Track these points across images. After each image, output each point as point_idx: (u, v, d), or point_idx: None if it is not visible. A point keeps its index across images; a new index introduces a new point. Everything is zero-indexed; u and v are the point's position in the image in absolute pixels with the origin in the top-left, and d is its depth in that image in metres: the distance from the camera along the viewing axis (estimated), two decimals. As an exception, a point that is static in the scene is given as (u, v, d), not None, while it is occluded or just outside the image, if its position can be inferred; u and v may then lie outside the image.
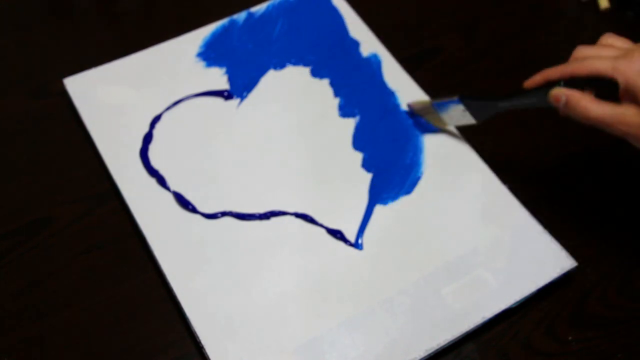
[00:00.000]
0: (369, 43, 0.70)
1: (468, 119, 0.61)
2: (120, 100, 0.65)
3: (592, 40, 0.75)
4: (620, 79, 0.48)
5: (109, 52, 0.69)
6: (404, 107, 0.66)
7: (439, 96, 0.62)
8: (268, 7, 0.73)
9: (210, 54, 0.69)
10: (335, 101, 0.67)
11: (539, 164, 0.65)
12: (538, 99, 0.54)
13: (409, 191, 0.61)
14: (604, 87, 0.49)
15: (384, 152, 0.63)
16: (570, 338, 0.56)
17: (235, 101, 0.66)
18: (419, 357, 0.53)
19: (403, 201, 0.60)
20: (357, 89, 0.67)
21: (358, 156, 0.63)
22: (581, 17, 0.76)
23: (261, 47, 0.70)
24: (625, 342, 0.56)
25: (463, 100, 0.59)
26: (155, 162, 0.62)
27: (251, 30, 0.71)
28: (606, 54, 0.50)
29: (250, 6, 0.73)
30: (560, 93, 0.51)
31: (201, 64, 0.68)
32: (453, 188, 0.61)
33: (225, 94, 0.67)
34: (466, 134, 0.64)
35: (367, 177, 0.62)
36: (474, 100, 0.59)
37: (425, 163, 0.62)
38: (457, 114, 0.61)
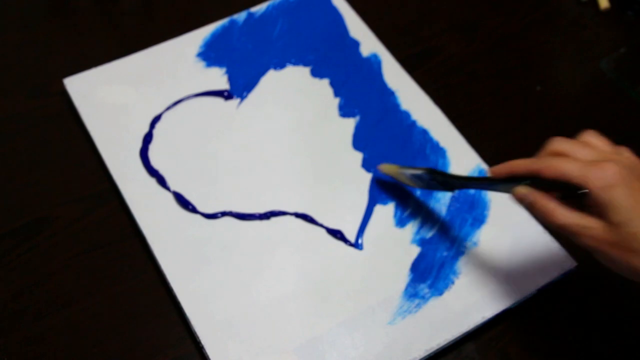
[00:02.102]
0: (369, 43, 0.70)
1: (435, 187, 0.57)
2: (120, 100, 0.65)
3: (592, 39, 0.75)
4: (589, 190, 0.44)
5: (109, 52, 0.69)
6: (403, 107, 0.66)
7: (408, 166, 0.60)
8: (268, 7, 0.73)
9: (210, 54, 0.69)
10: (335, 101, 0.67)
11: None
12: (503, 189, 0.50)
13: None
14: (572, 191, 0.45)
15: (384, 152, 0.63)
16: (570, 338, 0.56)
17: (235, 101, 0.66)
18: (419, 357, 0.53)
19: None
20: (357, 89, 0.67)
21: (358, 156, 0.63)
22: (581, 17, 0.76)
23: (261, 47, 0.70)
24: (625, 342, 0.56)
25: (431, 174, 0.56)
26: (155, 162, 0.62)
27: (251, 30, 0.71)
28: (580, 155, 0.46)
29: (250, 6, 0.73)
30: (526, 194, 0.47)
31: (201, 64, 0.68)
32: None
33: (225, 94, 0.67)
34: (466, 134, 0.64)
35: (367, 177, 0.62)
36: (441, 176, 0.55)
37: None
38: (425, 183, 0.57)
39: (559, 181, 0.45)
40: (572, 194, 0.45)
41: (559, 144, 0.47)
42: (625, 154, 0.47)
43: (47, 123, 0.66)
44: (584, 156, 0.46)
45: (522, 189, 0.47)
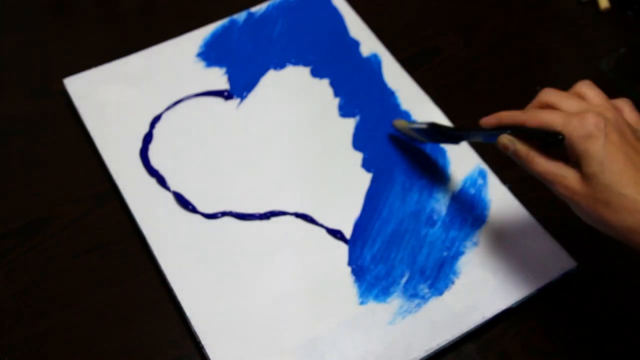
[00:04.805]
0: (369, 43, 0.70)
1: (441, 140, 0.60)
2: (120, 100, 0.65)
3: (592, 39, 0.75)
4: (567, 139, 0.44)
5: (109, 52, 0.69)
6: (404, 107, 0.66)
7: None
8: (268, 7, 0.73)
9: (210, 54, 0.69)
10: (335, 101, 0.67)
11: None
12: (491, 139, 0.51)
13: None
14: (554, 140, 0.45)
15: (384, 152, 0.63)
16: (570, 338, 0.56)
17: (235, 101, 0.66)
18: (419, 357, 0.53)
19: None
20: (357, 89, 0.67)
21: (358, 156, 0.63)
22: (581, 17, 0.76)
23: (261, 47, 0.70)
24: (626, 342, 0.56)
25: (433, 127, 0.58)
26: (155, 162, 0.62)
27: (251, 30, 0.71)
28: (567, 107, 0.46)
29: (250, 6, 0.73)
30: (509, 143, 0.49)
31: (201, 64, 0.68)
32: (453, 188, 0.61)
33: (225, 94, 0.67)
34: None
35: (367, 177, 0.62)
36: (442, 129, 0.58)
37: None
38: (431, 137, 0.60)
39: (542, 131, 0.46)
40: (554, 141, 0.45)
41: (548, 95, 0.48)
42: (622, 106, 0.47)
43: (47, 123, 0.66)
44: (571, 107, 0.46)
45: (505, 138, 0.49)
